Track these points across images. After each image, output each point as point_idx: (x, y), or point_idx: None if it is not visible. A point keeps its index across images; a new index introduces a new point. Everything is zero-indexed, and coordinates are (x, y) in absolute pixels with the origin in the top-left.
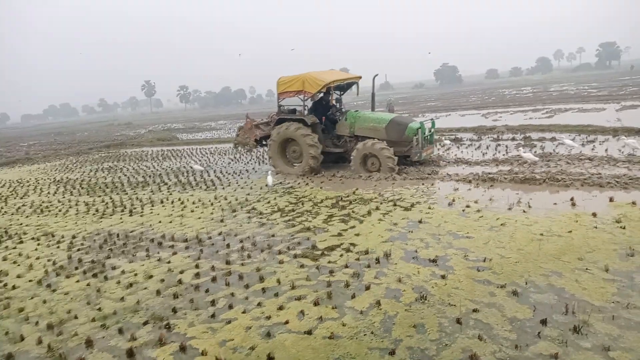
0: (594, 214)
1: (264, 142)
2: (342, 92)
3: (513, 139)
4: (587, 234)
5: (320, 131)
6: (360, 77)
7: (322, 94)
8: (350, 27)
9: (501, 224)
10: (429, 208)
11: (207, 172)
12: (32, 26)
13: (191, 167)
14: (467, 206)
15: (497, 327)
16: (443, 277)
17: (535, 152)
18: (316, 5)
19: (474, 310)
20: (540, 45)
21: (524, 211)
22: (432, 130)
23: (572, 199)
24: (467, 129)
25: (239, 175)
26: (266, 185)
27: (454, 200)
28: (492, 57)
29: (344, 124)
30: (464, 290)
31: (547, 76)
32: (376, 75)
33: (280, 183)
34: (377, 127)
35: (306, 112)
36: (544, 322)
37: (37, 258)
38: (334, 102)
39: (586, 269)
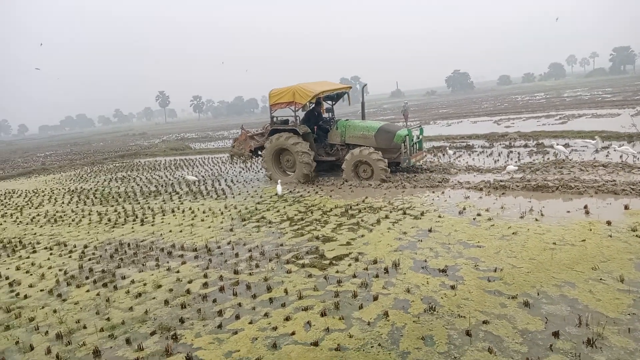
0: (609, 222)
1: (259, 153)
2: (333, 102)
3: (526, 146)
4: (601, 243)
5: (313, 140)
6: (350, 87)
7: (312, 105)
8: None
9: (513, 233)
10: (439, 216)
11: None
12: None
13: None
14: (478, 214)
15: (507, 340)
16: (453, 287)
17: (548, 158)
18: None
19: (484, 322)
20: (553, 50)
21: (536, 219)
22: (421, 137)
23: (585, 207)
24: (479, 135)
25: (249, 183)
26: (276, 194)
27: (464, 209)
28: (503, 63)
29: (335, 133)
30: (474, 301)
31: (560, 82)
32: (365, 85)
33: (290, 192)
34: (367, 135)
35: (298, 122)
36: (556, 334)
37: (49, 267)
38: (324, 111)
39: (600, 279)
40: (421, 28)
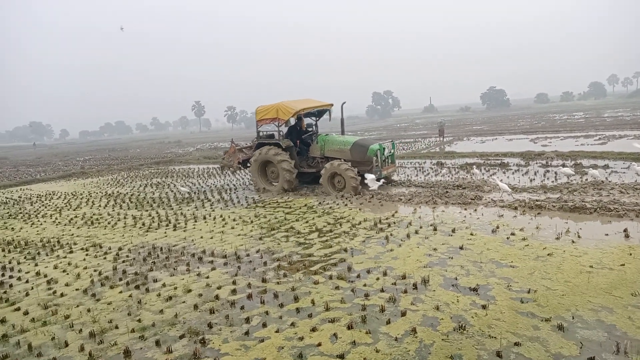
0: None
1: (248, 165)
2: (317, 118)
3: (563, 166)
4: None
5: (295, 153)
6: (331, 105)
7: (295, 120)
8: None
9: (548, 254)
10: (471, 234)
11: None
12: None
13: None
14: (512, 234)
15: None
16: (484, 307)
17: (587, 179)
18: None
19: (516, 344)
20: (593, 69)
21: (573, 241)
22: (393, 151)
23: (625, 230)
24: (515, 153)
25: (279, 194)
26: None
27: (498, 227)
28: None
29: (316, 147)
30: (506, 322)
31: (600, 101)
32: (344, 102)
33: (320, 204)
34: (343, 149)
35: (282, 136)
36: None
37: (85, 268)
38: (305, 127)
39: None
40: (460, 49)
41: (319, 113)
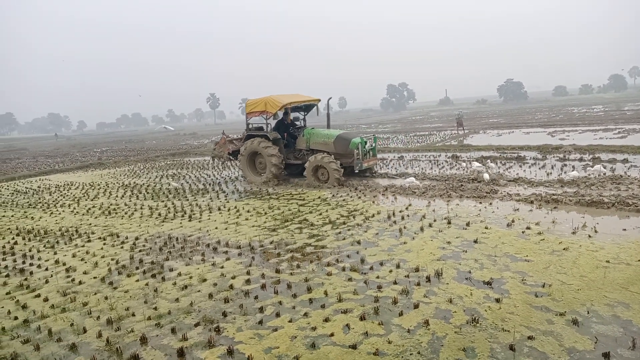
0: None
1: (238, 155)
2: (306, 113)
3: (581, 159)
4: None
5: (282, 145)
6: (319, 100)
7: (282, 114)
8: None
9: (564, 249)
10: (486, 228)
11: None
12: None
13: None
14: (528, 228)
15: (553, 357)
16: (497, 300)
17: (605, 174)
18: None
19: (529, 338)
20: (614, 61)
21: (590, 236)
22: (374, 144)
23: None
24: (531, 147)
25: (293, 186)
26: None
27: (513, 221)
28: (560, 73)
29: (302, 140)
30: (520, 316)
31: (620, 94)
32: (330, 98)
33: (333, 196)
34: (327, 142)
35: (270, 129)
36: (606, 355)
37: (102, 257)
38: (291, 120)
39: None
40: (479, 43)
41: (306, 108)
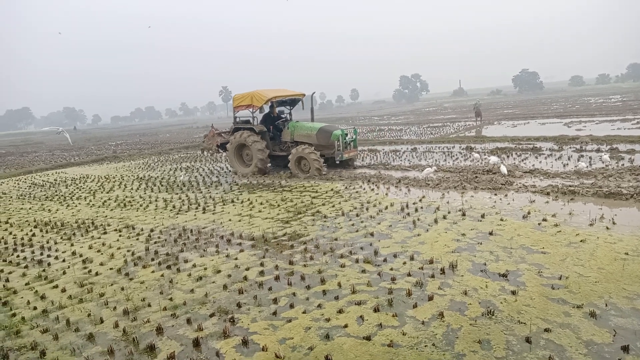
0: None
1: (226, 148)
2: (291, 107)
3: (598, 150)
4: None
5: (268, 138)
6: (303, 95)
7: (268, 107)
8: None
9: (581, 240)
10: (501, 220)
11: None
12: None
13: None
14: (544, 219)
15: (570, 350)
16: (513, 292)
17: (623, 164)
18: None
19: (546, 330)
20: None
21: (607, 228)
22: (355, 136)
23: None
24: (547, 138)
25: (306, 178)
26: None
27: (529, 213)
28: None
29: (287, 132)
30: (536, 308)
31: (639, 84)
32: (314, 92)
33: (346, 188)
34: (310, 134)
35: (256, 122)
36: (625, 348)
37: (118, 248)
38: (277, 113)
39: None
40: (491, 21)
41: (292, 102)
